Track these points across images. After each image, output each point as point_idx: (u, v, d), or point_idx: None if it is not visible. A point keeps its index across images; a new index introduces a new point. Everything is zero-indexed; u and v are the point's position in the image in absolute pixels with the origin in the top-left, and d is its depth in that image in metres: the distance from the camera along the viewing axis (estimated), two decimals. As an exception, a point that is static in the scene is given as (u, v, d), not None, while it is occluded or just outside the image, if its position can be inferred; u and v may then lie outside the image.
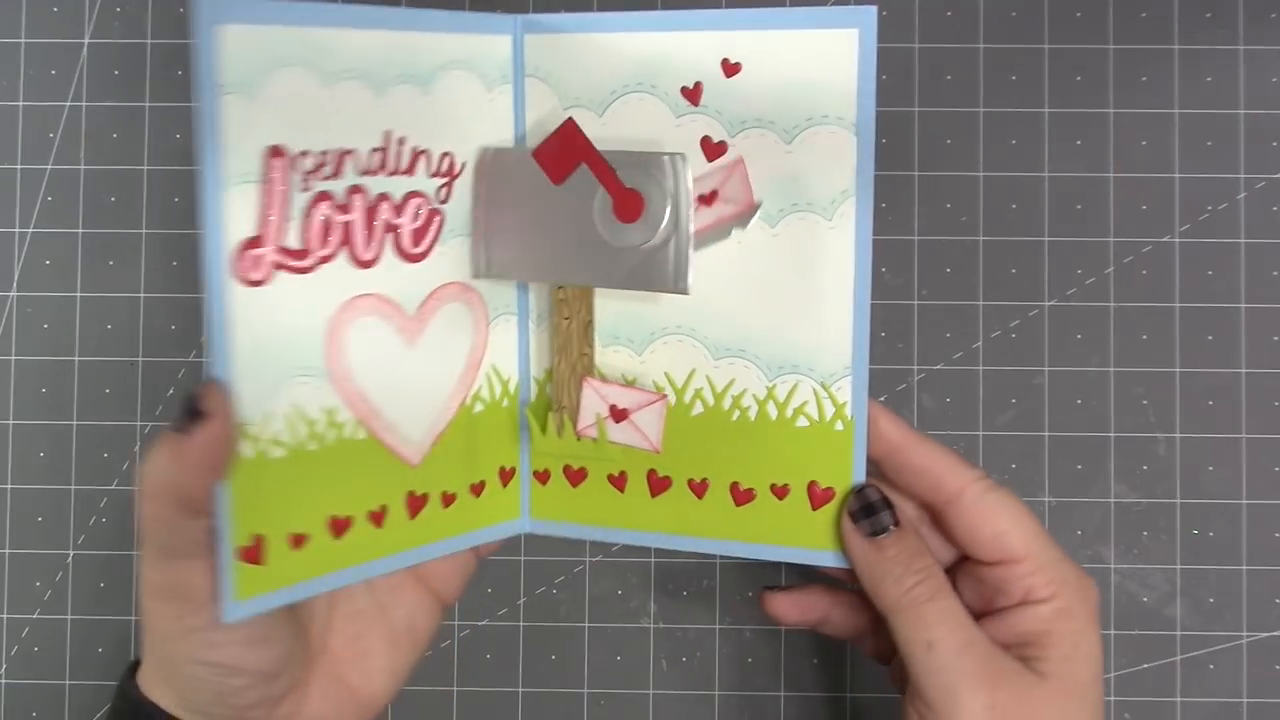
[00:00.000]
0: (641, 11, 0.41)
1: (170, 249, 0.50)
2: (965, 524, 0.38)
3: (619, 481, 0.41)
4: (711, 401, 0.40)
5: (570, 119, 0.38)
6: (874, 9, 0.36)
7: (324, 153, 0.35)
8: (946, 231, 0.50)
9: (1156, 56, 0.50)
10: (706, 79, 0.38)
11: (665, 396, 0.40)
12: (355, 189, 0.36)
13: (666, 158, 0.38)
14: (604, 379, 0.40)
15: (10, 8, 0.51)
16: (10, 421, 0.50)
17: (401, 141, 0.37)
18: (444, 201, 0.39)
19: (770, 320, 0.39)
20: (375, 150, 0.36)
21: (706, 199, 0.39)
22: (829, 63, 0.37)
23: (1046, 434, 0.50)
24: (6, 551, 0.50)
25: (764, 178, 0.38)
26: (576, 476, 0.41)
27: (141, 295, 0.50)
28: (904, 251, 0.50)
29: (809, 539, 0.39)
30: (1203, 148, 0.50)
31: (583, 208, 0.38)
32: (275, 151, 0.34)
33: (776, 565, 0.50)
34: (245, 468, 0.34)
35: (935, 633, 0.36)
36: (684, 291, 0.38)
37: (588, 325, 0.40)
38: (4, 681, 0.50)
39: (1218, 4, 0.50)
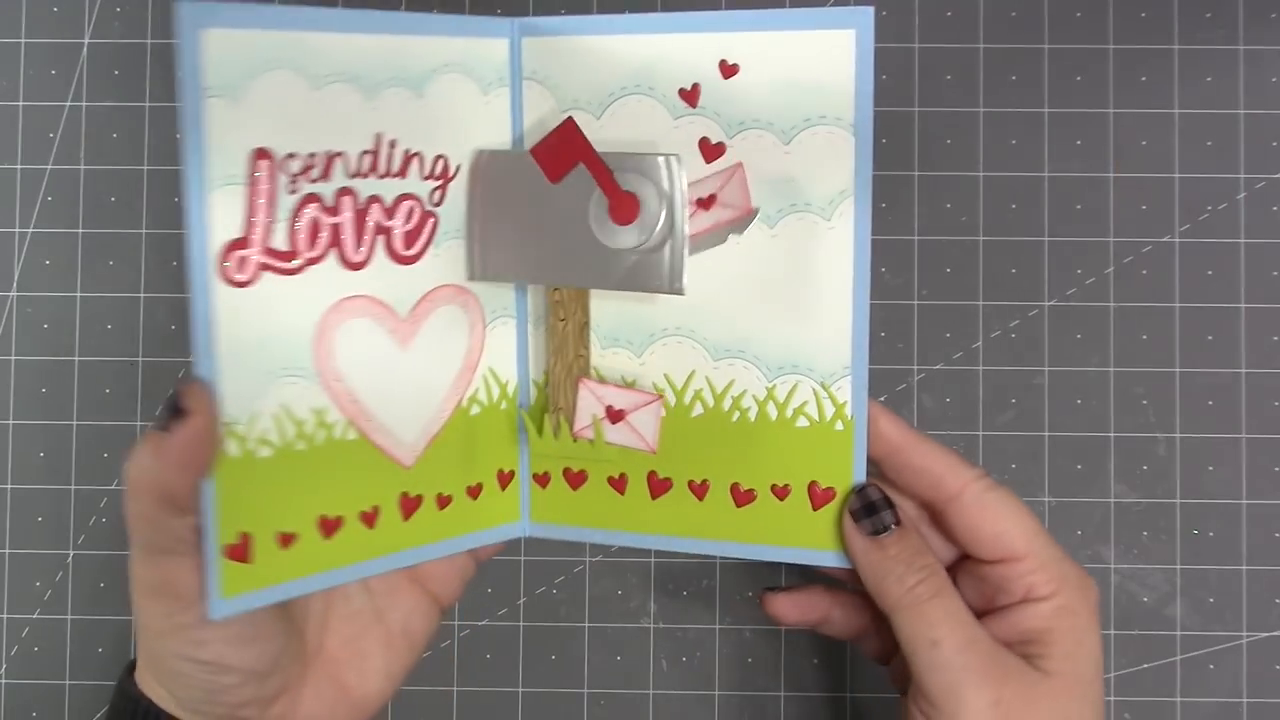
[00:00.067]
0: (639, 14, 0.41)
1: (170, 249, 0.50)
2: (966, 523, 0.38)
3: (619, 484, 0.41)
4: (711, 402, 0.40)
5: (570, 118, 0.38)
6: (870, 10, 0.36)
7: (312, 155, 0.35)
8: (946, 231, 0.50)
9: (1156, 56, 0.50)
10: (704, 80, 0.38)
11: (661, 397, 0.40)
12: (345, 191, 0.36)
13: (662, 159, 0.38)
14: (602, 380, 0.40)
15: (10, 8, 0.51)
16: (10, 421, 0.50)
17: (393, 144, 0.37)
18: (438, 204, 0.38)
19: (770, 321, 0.39)
20: (366, 153, 0.36)
21: (705, 203, 0.38)
22: (826, 63, 0.37)
23: (1046, 434, 0.50)
24: (6, 551, 0.50)
25: (762, 178, 0.38)
26: (576, 479, 0.41)
27: (141, 295, 0.50)
28: (904, 251, 0.50)
29: (810, 539, 0.39)
30: (1202, 148, 0.50)
31: (578, 210, 0.38)
32: (261, 154, 0.34)
33: (777, 565, 0.50)
34: (231, 466, 0.34)
35: (938, 630, 0.36)
36: (679, 292, 0.38)
37: (583, 327, 0.40)
38: (4, 681, 0.50)
39: (1218, 4, 0.50)
